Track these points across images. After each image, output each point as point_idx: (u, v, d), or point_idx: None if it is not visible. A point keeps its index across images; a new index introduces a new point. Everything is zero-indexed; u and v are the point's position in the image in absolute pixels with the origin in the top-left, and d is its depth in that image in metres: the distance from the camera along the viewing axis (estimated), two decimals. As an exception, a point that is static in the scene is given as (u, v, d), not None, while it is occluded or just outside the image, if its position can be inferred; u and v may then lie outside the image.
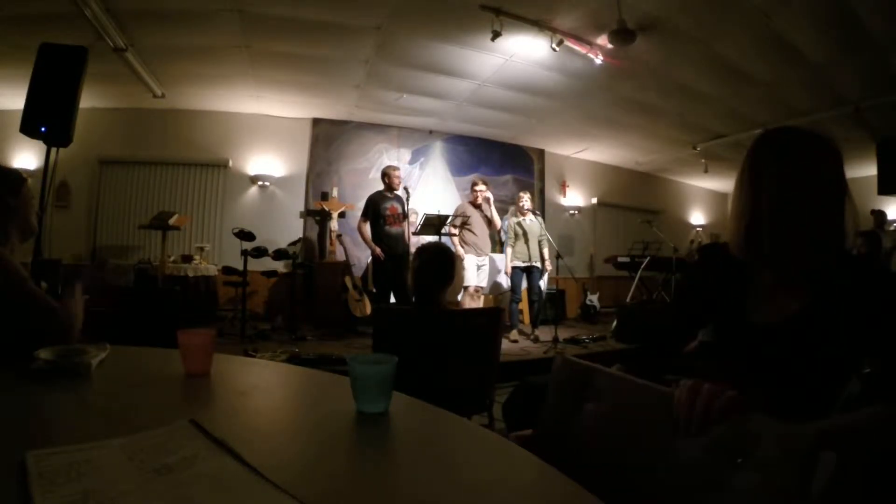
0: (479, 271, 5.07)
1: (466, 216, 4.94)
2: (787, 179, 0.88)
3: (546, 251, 5.11)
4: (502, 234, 6.54)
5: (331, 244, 6.12)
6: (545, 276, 5.20)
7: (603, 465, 0.63)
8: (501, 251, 6.57)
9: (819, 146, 0.91)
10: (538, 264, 5.04)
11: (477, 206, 5.04)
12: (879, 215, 6.42)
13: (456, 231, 4.91)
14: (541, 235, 5.07)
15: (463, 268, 4.83)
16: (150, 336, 1.64)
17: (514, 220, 5.15)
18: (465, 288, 5.06)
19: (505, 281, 5.43)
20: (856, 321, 0.81)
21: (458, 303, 5.05)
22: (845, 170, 0.90)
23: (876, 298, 0.82)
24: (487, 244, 5.16)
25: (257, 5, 3.85)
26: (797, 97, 5.20)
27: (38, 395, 0.88)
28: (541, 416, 0.90)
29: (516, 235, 5.06)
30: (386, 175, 4.84)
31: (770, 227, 0.88)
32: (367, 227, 4.80)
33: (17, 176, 1.44)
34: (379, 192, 4.86)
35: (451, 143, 7.16)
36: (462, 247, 4.99)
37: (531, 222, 5.05)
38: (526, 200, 5.08)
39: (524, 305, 5.74)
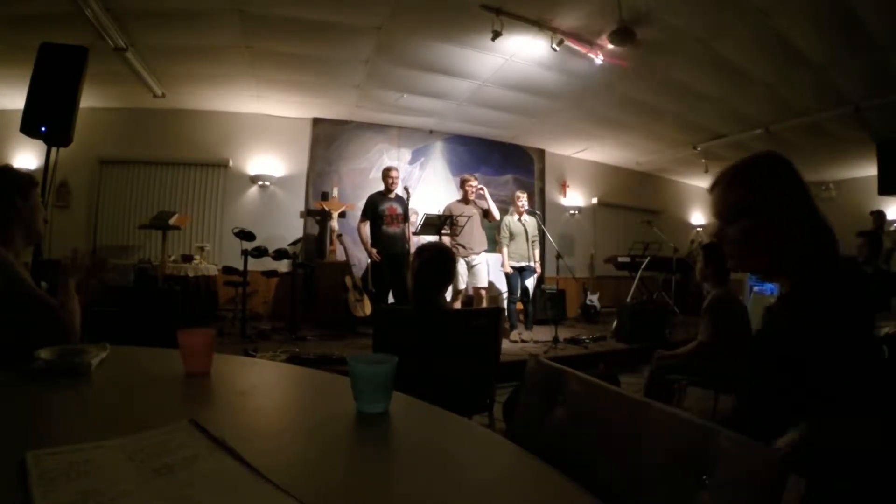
0: (470, 271, 4.94)
1: (454, 216, 4.76)
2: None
3: (537, 252, 5.08)
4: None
5: (331, 244, 6.13)
6: (533, 277, 5.14)
7: (568, 470, 0.63)
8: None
9: (748, 171, 1.00)
10: (531, 264, 5.03)
11: (467, 204, 4.90)
12: (879, 216, 6.41)
13: (447, 233, 4.80)
14: (534, 236, 5.05)
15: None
16: (150, 336, 1.64)
17: (511, 218, 5.11)
18: (458, 292, 4.95)
19: (501, 282, 5.41)
20: (811, 316, 0.85)
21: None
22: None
23: (834, 295, 0.86)
24: (481, 243, 4.97)
25: (258, 5, 3.85)
26: (798, 97, 5.20)
27: (38, 395, 0.88)
28: (514, 416, 0.91)
29: (511, 235, 5.03)
30: (383, 176, 4.88)
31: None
32: (367, 228, 4.78)
33: (27, 178, 1.42)
34: (378, 193, 4.85)
35: (452, 143, 7.16)
36: (453, 248, 4.91)
37: (526, 221, 5.04)
38: (523, 200, 5.06)
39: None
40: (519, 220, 5.06)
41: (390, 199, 4.80)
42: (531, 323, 5.26)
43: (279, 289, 6.14)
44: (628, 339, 5.09)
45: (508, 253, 5.00)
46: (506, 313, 5.17)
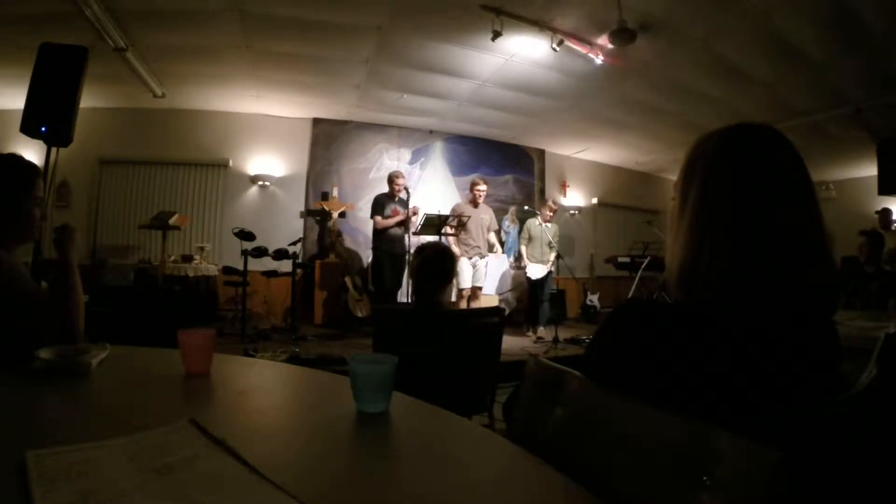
0: (474, 272, 5.10)
1: (465, 216, 4.94)
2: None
3: (553, 255, 5.29)
4: (503, 233, 6.59)
5: (331, 244, 6.13)
6: (547, 276, 5.38)
7: (568, 470, 0.63)
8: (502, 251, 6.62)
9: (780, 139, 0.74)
10: (547, 265, 5.28)
11: (476, 206, 5.11)
12: (885, 213, 6.40)
13: (452, 231, 4.93)
14: (552, 242, 5.23)
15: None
16: (150, 336, 1.64)
17: (533, 221, 5.35)
18: (461, 290, 5.07)
19: (507, 283, 5.52)
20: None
21: (452, 304, 5.07)
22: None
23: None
24: (484, 244, 5.21)
25: (258, 5, 3.85)
26: (797, 97, 5.20)
27: (38, 395, 0.88)
28: (514, 416, 0.90)
29: (530, 237, 5.29)
30: (390, 181, 5.03)
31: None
32: (380, 218, 4.97)
33: (20, 174, 1.36)
34: (384, 194, 5.04)
35: (452, 143, 7.16)
36: (457, 247, 5.01)
37: (548, 228, 5.24)
38: (549, 210, 5.32)
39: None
40: (540, 224, 5.27)
41: (394, 202, 5.00)
42: (545, 321, 5.46)
43: (278, 289, 6.13)
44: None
45: (528, 254, 5.35)
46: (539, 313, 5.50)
